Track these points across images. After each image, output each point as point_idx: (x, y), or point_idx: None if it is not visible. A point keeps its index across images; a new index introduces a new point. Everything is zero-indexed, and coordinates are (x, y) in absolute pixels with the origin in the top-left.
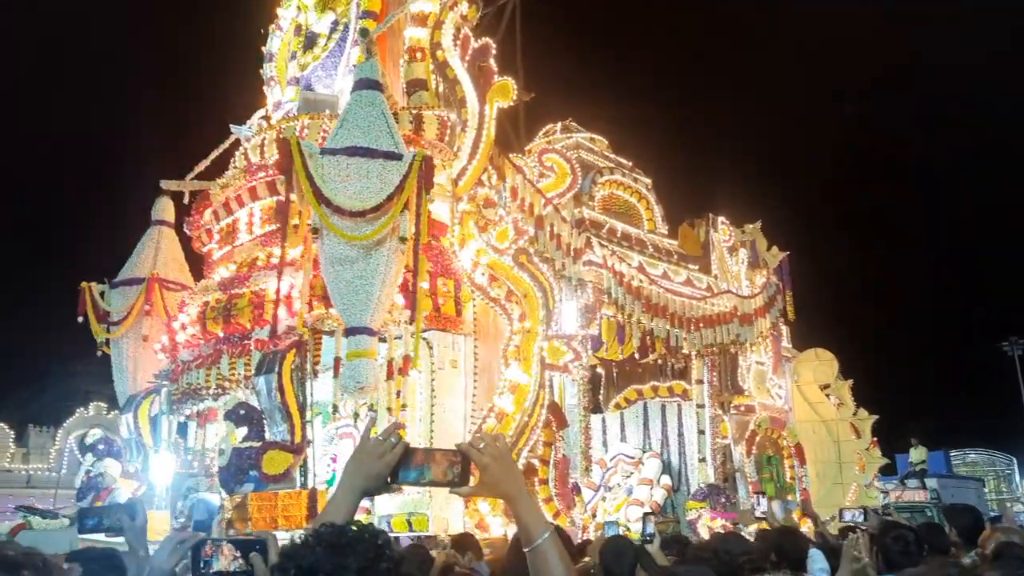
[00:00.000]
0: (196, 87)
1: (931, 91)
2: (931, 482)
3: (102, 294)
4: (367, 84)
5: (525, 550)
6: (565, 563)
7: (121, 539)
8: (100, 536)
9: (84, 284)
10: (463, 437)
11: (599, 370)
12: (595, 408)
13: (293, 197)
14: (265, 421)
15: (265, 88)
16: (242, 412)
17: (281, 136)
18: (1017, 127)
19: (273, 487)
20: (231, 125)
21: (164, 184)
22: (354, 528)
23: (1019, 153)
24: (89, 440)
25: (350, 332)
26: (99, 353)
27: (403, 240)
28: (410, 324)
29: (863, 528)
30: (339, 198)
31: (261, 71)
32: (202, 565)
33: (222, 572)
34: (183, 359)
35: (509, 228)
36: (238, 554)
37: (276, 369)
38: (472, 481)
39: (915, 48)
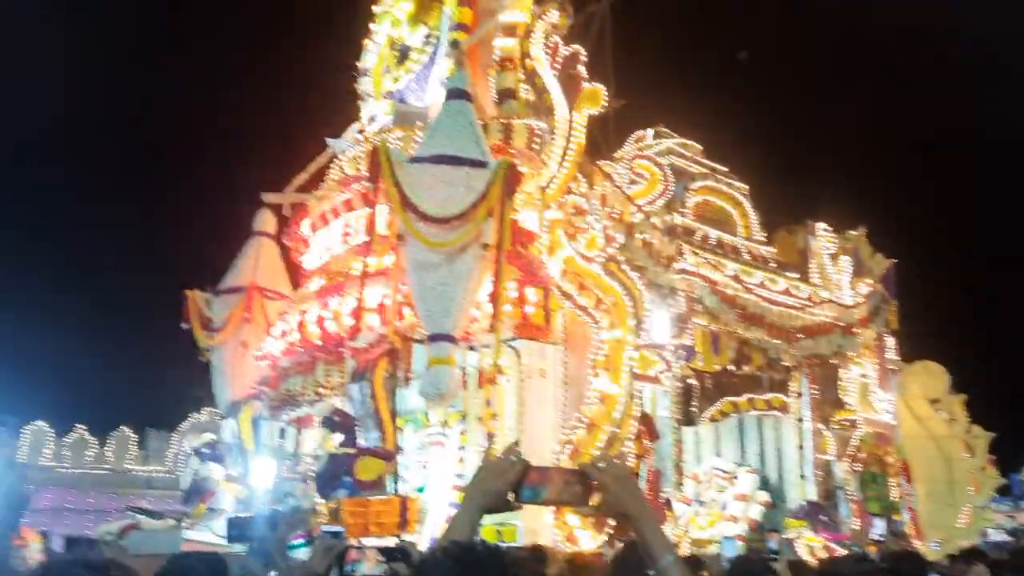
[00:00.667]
0: (296, 103)
1: None
2: None
3: (207, 302)
4: (457, 94)
5: (650, 573)
6: None
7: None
8: (210, 538)
9: (189, 292)
10: (552, 448)
11: (692, 381)
12: (688, 421)
13: (383, 207)
14: (358, 428)
15: (360, 103)
16: (337, 419)
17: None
18: None
19: (366, 494)
20: (328, 139)
21: (265, 197)
22: (481, 547)
23: None
24: (196, 443)
25: (432, 339)
26: (202, 359)
27: (487, 247)
28: (490, 332)
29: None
30: (425, 205)
31: (357, 86)
32: (348, 569)
33: None
34: (282, 366)
35: (598, 236)
36: (383, 559)
37: (369, 377)
38: (593, 500)
39: None
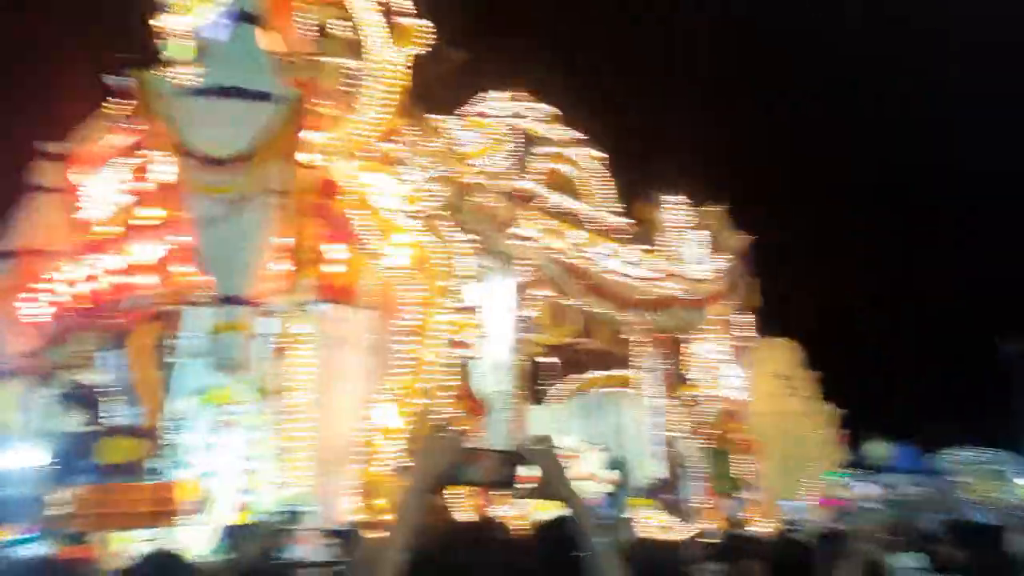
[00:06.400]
0: (85, 40)
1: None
2: (889, 478)
3: None
4: (244, 17)
5: (587, 549)
6: (620, 567)
7: None
8: None
9: None
10: (355, 424)
11: (540, 359)
12: (536, 399)
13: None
14: (109, 403)
15: (158, 41)
16: (77, 393)
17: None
18: None
19: (117, 479)
20: (105, 76)
21: (44, 146)
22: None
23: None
24: None
25: (222, 302)
26: None
27: (277, 193)
28: (290, 294)
29: None
30: (202, 145)
31: (155, 22)
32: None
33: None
34: (45, 334)
35: (416, 190)
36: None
37: (125, 343)
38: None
39: None
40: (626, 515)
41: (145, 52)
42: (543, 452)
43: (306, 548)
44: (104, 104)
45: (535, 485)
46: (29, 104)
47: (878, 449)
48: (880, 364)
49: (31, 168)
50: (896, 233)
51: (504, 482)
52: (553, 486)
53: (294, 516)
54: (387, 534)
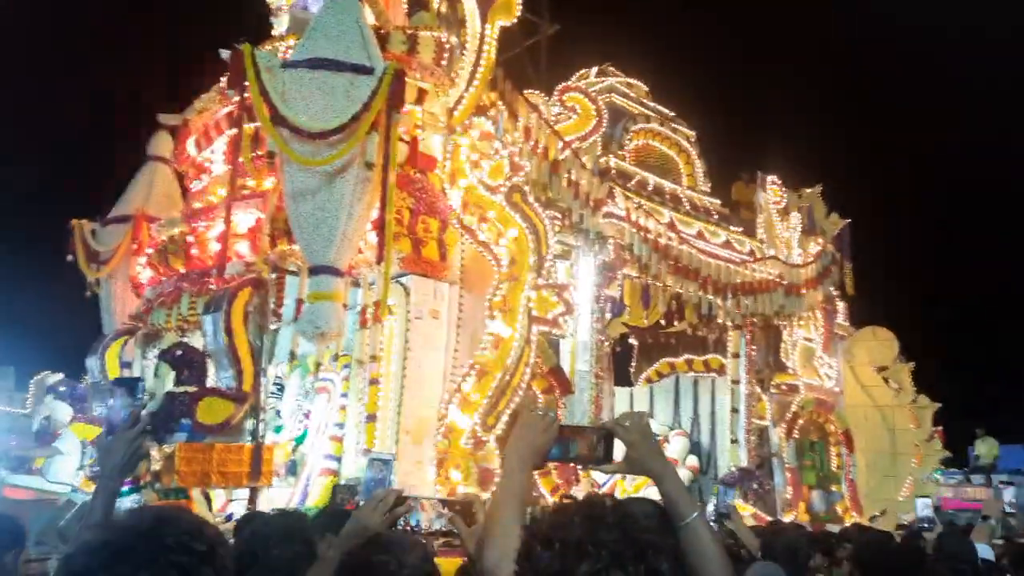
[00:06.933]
0: (200, 15)
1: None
2: (1000, 478)
3: (93, 232)
4: None
5: (678, 526)
6: (717, 541)
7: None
8: (38, 483)
9: (75, 222)
10: (441, 395)
11: (632, 340)
12: (625, 381)
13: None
14: (211, 365)
15: (272, 18)
16: (179, 353)
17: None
18: None
19: (211, 438)
20: (222, 51)
21: (162, 118)
22: (602, 500)
23: None
24: (50, 381)
25: (312, 272)
26: (88, 294)
27: (370, 166)
28: (377, 264)
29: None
30: (298, 118)
31: None
32: (401, 521)
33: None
34: (147, 298)
35: (505, 163)
36: (444, 512)
37: (225, 308)
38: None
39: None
40: (710, 503)
41: (260, 27)
42: (639, 428)
43: (424, 516)
44: (219, 78)
45: (628, 462)
46: (148, 78)
47: (985, 446)
48: (990, 358)
49: (148, 139)
50: (1013, 218)
51: (602, 459)
52: (648, 463)
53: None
54: (499, 509)
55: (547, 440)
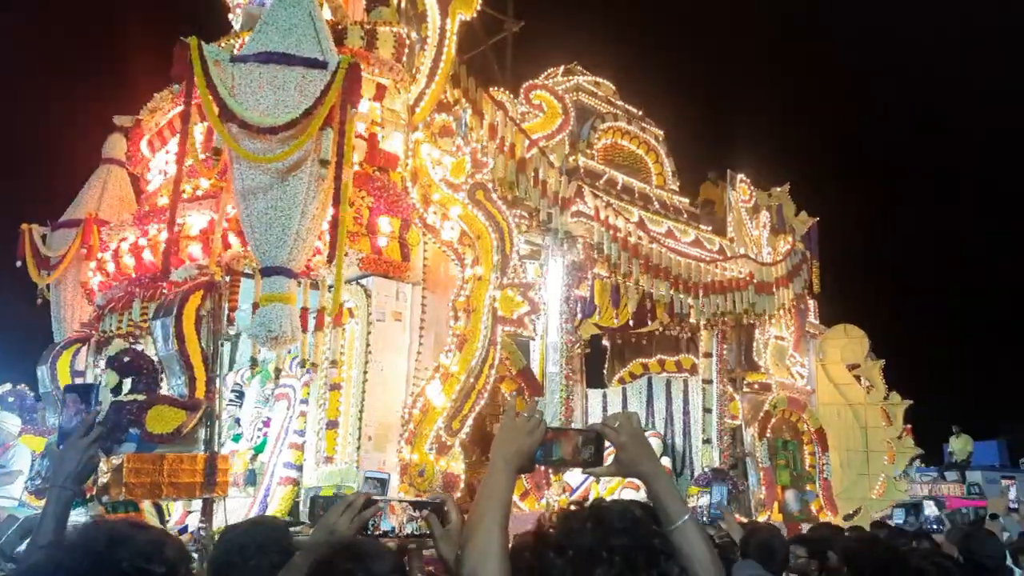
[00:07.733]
0: (159, 14)
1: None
2: (974, 475)
3: (43, 237)
4: None
5: (668, 528)
6: (708, 542)
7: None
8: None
9: (24, 226)
10: (404, 399)
11: (605, 342)
12: (599, 383)
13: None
14: (160, 372)
15: (231, 15)
16: (127, 360)
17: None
18: None
19: (161, 448)
20: (174, 49)
21: (117, 120)
22: (609, 505)
23: None
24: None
25: (265, 273)
26: (39, 301)
27: (324, 164)
28: (329, 264)
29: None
30: (248, 113)
31: None
32: (371, 525)
33: (393, 532)
34: (98, 304)
35: (467, 160)
36: (415, 514)
37: (175, 312)
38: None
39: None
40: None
41: (220, 26)
42: (629, 430)
43: (394, 519)
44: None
45: (618, 464)
46: (101, 78)
47: (959, 443)
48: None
49: (101, 140)
50: (981, 215)
51: (591, 461)
52: (639, 465)
53: (382, 486)
54: (481, 512)
55: (533, 442)
